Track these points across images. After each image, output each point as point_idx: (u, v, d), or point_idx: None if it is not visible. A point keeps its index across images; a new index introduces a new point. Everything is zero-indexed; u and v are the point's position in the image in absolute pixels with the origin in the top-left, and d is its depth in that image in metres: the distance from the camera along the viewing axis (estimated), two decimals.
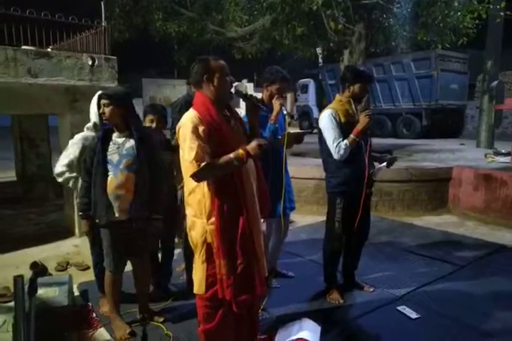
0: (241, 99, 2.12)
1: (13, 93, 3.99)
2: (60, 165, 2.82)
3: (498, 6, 7.99)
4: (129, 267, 2.68)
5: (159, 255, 3.15)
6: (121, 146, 2.47)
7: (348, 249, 3.10)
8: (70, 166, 2.81)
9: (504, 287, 3.28)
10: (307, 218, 5.31)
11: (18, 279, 1.49)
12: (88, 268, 3.58)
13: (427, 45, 8.80)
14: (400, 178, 5.62)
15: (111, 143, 2.48)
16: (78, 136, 2.86)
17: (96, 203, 2.45)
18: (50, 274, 3.44)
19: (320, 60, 16.21)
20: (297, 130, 2.78)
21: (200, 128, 1.88)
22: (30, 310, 1.51)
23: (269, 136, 2.75)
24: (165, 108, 3.06)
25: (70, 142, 2.87)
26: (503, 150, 6.89)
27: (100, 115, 2.60)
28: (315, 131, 2.95)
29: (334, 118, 2.80)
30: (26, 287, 1.53)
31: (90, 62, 4.42)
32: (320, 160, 3.12)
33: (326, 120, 2.83)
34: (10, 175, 7.52)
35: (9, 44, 4.03)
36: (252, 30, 8.87)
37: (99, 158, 2.43)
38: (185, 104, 2.75)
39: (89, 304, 2.92)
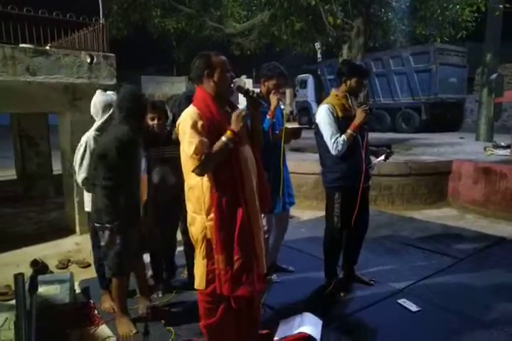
0: (241, 95, 2.12)
1: (12, 91, 3.98)
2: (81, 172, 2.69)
3: None
4: None
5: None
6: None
7: (348, 243, 3.11)
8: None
9: (504, 279, 3.29)
10: (307, 213, 5.32)
11: (18, 277, 1.51)
12: (89, 265, 3.60)
13: (426, 39, 8.77)
14: (399, 172, 5.62)
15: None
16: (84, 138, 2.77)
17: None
18: (52, 272, 3.46)
19: (319, 56, 16.12)
20: (295, 125, 2.78)
21: (199, 123, 1.89)
22: (31, 307, 1.53)
23: (269, 130, 2.75)
24: (164, 103, 3.07)
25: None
26: (502, 143, 6.90)
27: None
28: (313, 126, 2.94)
29: (331, 113, 2.79)
30: (27, 285, 1.54)
31: (89, 60, 4.41)
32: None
33: (322, 115, 2.82)
34: (10, 174, 7.53)
35: (7, 42, 4.03)
36: (250, 25, 8.85)
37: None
38: (186, 100, 2.75)
39: (91, 301, 2.93)
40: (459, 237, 4.37)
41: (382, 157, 2.97)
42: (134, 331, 2.50)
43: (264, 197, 2.15)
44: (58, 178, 5.48)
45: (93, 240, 2.84)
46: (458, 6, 7.31)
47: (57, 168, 6.01)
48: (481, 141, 9.47)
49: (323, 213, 3.11)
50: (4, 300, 2.95)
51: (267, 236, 2.95)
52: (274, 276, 3.26)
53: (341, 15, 7.21)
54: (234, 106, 2.12)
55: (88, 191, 2.66)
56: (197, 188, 1.97)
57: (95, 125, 2.76)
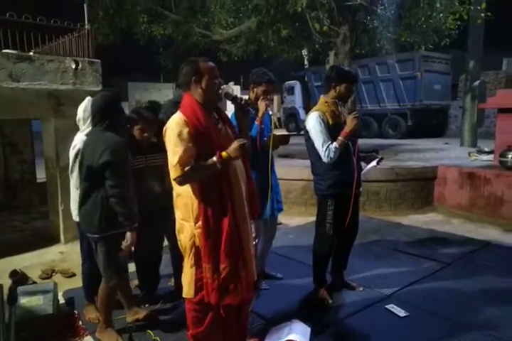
0: (229, 102, 2.11)
1: None
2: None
3: (478, 7, 8.13)
4: None
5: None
6: None
7: (337, 250, 3.10)
8: None
9: (490, 283, 3.32)
10: (295, 219, 5.31)
11: None
12: (74, 275, 3.53)
13: (411, 46, 8.90)
14: (386, 178, 5.67)
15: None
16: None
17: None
18: (35, 282, 3.37)
19: (306, 62, 16.27)
20: (283, 132, 2.78)
21: (185, 131, 1.87)
22: (10, 320, 1.48)
23: (257, 136, 2.75)
24: (148, 109, 2.98)
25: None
26: (486, 149, 6.99)
27: None
28: (302, 132, 2.93)
29: (322, 120, 2.77)
30: (5, 296, 1.49)
31: (74, 66, 4.35)
32: (307, 162, 3.11)
33: (313, 123, 2.79)
34: None
35: None
36: (237, 32, 8.87)
37: None
38: (173, 105, 2.71)
39: (75, 312, 2.86)
40: (445, 242, 4.40)
41: (374, 162, 2.96)
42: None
43: (254, 204, 2.13)
44: (42, 186, 5.38)
45: (85, 252, 2.74)
46: (441, 14, 7.44)
47: (41, 175, 5.90)
48: (466, 147, 9.61)
49: (311, 219, 3.11)
50: None
51: (255, 242, 2.92)
52: (262, 283, 3.23)
53: (327, 22, 7.28)
54: (222, 113, 2.11)
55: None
56: (185, 195, 1.95)
57: (86, 129, 2.65)
